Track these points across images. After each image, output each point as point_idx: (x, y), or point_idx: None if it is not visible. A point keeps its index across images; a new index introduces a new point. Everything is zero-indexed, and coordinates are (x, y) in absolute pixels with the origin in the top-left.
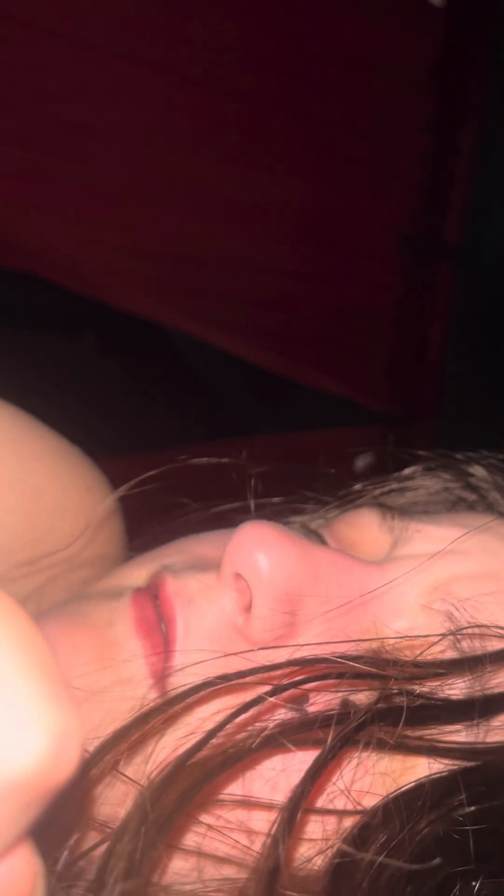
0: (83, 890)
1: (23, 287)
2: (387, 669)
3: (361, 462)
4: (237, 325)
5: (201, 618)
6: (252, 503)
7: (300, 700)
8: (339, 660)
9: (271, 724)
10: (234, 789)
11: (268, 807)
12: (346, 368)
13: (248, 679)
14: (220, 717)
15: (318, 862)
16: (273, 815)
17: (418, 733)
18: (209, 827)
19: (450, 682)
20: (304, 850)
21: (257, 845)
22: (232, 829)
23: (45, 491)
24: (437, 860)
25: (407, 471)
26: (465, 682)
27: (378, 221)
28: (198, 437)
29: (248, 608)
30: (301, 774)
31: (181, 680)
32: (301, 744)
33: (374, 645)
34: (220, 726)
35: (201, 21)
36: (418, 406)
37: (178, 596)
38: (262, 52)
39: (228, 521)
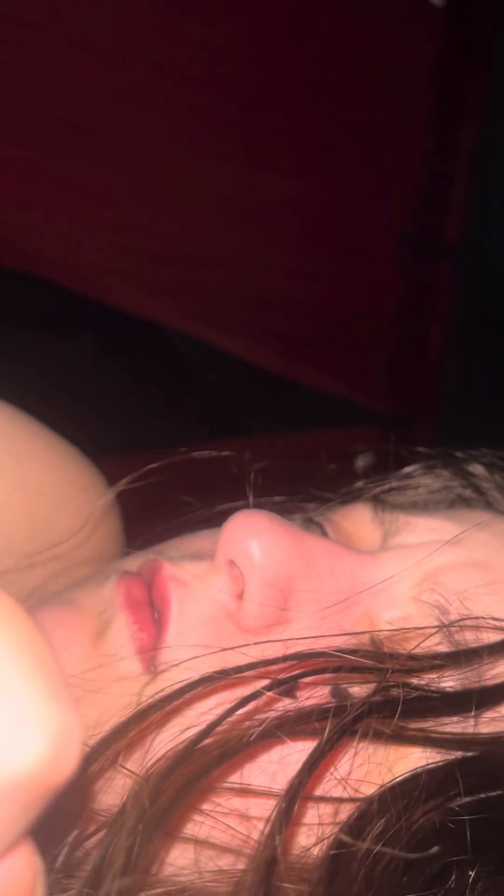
0: (81, 886)
1: (23, 287)
2: (384, 662)
3: (362, 462)
4: (237, 325)
5: (196, 601)
6: (252, 501)
7: (297, 693)
8: (337, 654)
9: (269, 717)
10: (233, 781)
11: (265, 797)
12: (346, 368)
13: (246, 674)
14: (218, 712)
15: (315, 852)
16: (271, 806)
17: (415, 725)
18: (207, 817)
19: (447, 674)
20: (301, 840)
21: (255, 836)
22: (230, 820)
23: (43, 491)
24: (434, 849)
25: (407, 469)
26: (461, 673)
27: (378, 221)
28: (198, 437)
29: (242, 595)
30: (298, 766)
31: (173, 664)
32: (298, 735)
33: (370, 637)
34: (219, 721)
35: (201, 21)
36: (418, 406)
37: (174, 579)
38: (262, 52)
39: None
